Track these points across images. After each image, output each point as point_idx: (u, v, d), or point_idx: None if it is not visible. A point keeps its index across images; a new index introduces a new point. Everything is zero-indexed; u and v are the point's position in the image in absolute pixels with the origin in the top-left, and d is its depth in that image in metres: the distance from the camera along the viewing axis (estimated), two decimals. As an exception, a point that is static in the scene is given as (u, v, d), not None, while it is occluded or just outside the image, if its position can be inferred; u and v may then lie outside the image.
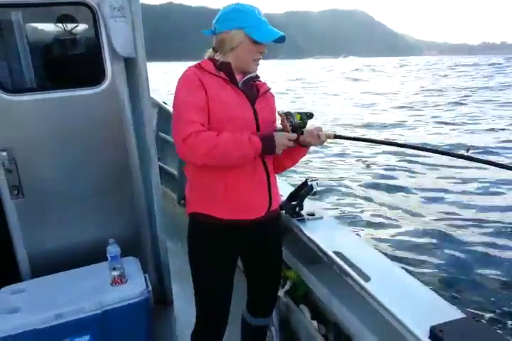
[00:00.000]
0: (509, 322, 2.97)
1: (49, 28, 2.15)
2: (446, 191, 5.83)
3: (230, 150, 1.39)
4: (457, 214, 5.02)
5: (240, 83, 1.55)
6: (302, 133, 1.53)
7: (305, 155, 1.64)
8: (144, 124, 2.10)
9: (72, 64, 2.14)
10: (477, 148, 8.32)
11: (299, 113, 1.54)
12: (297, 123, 1.52)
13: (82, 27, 2.11)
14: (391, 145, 1.65)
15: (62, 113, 1.98)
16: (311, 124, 1.58)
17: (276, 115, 1.59)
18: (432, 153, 1.51)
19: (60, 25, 2.12)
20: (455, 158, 1.42)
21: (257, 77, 1.63)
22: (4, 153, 1.88)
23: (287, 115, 1.52)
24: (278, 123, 1.61)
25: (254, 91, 1.60)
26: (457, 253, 4.06)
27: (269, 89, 1.67)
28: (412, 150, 1.57)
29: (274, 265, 1.73)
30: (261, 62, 1.57)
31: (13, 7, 1.90)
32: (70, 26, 2.11)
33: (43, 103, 1.94)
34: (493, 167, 1.40)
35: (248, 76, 1.57)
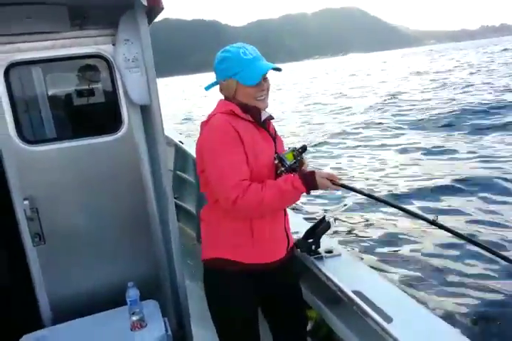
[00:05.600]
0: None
1: (69, 77, 2.27)
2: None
3: (277, 203, 1.44)
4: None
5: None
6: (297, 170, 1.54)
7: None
8: (160, 166, 2.15)
9: (91, 113, 2.24)
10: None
11: (292, 151, 1.55)
12: (290, 164, 1.52)
13: (99, 76, 2.22)
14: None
15: (82, 160, 2.05)
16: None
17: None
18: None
19: (79, 74, 2.25)
20: None
21: (271, 117, 1.66)
22: (26, 202, 1.94)
23: (279, 159, 1.53)
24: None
25: (268, 128, 1.66)
26: (487, 293, 3.81)
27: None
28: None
29: (296, 308, 1.70)
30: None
31: (32, 64, 2.02)
32: (88, 75, 2.23)
33: (63, 151, 2.01)
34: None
35: (265, 116, 1.61)
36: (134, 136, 2.13)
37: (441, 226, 1.39)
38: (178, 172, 4.26)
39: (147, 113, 2.13)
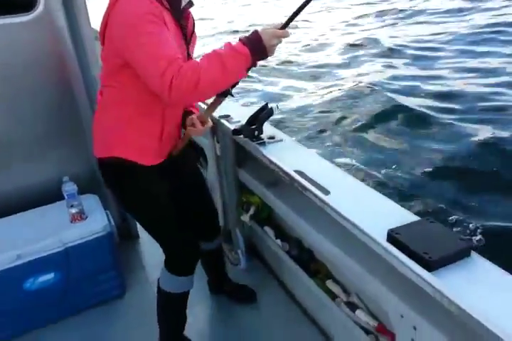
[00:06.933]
0: (461, 221, 3.25)
1: None
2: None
3: (219, 74, 1.17)
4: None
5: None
6: None
7: None
8: (86, 54, 1.91)
9: None
10: None
11: None
12: None
13: None
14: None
15: None
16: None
17: None
18: None
19: None
20: None
21: (191, 3, 1.38)
22: None
23: None
24: None
25: (187, 23, 1.40)
26: (412, 163, 4.23)
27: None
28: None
29: (196, 189, 1.72)
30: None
31: None
32: None
33: None
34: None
35: (185, 2, 1.34)
36: (53, 17, 1.83)
37: None
38: None
39: None
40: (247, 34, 1.23)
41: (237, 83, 1.34)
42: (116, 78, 1.34)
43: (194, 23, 1.48)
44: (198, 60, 1.23)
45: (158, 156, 1.48)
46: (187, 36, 1.39)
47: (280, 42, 1.23)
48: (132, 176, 1.45)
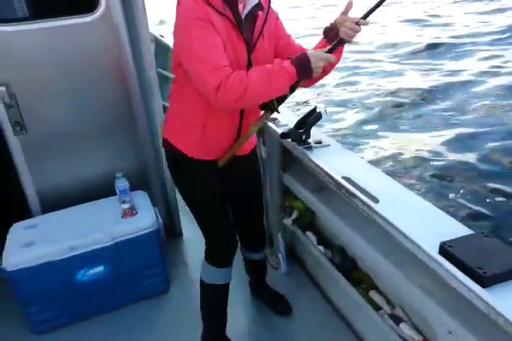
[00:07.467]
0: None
1: None
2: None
3: (264, 87, 1.25)
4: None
5: (242, 17, 1.33)
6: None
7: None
8: (142, 55, 1.99)
9: None
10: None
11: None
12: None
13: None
14: None
15: (58, 44, 1.87)
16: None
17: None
18: None
19: None
20: None
21: (258, 6, 1.36)
22: (3, 88, 1.80)
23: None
24: None
25: (253, 28, 1.38)
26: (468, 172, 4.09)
27: (276, 15, 1.46)
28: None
29: (252, 199, 1.74)
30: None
31: None
32: None
33: (37, 33, 1.82)
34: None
35: (251, 6, 1.33)
36: (113, 17, 1.92)
37: None
38: (159, 70, 4.02)
39: None
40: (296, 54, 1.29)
41: (283, 100, 1.41)
42: (176, 74, 1.44)
43: (270, 25, 1.43)
44: (248, 70, 1.29)
45: (205, 152, 1.51)
46: (250, 42, 1.37)
47: (326, 65, 1.31)
48: (181, 164, 1.54)
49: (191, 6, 1.25)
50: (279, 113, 1.47)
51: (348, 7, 1.32)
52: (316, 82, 1.49)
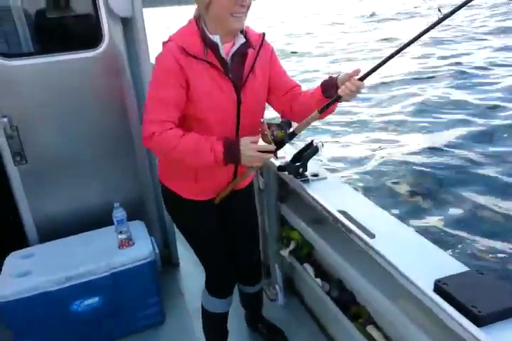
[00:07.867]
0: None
1: None
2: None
3: (188, 156, 1.32)
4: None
5: (228, 57, 1.35)
6: (279, 149, 1.38)
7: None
8: (143, 87, 2.06)
9: (69, 26, 2.07)
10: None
11: (281, 129, 1.37)
12: (279, 137, 1.36)
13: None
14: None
15: (61, 77, 1.94)
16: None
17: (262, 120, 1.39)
18: None
19: None
20: None
21: (246, 45, 1.37)
22: (5, 120, 1.85)
23: (270, 125, 1.36)
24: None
25: (242, 66, 1.39)
26: (461, 211, 4.09)
27: (271, 49, 1.47)
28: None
29: (245, 234, 1.76)
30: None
31: None
32: None
33: (41, 67, 1.89)
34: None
35: (238, 45, 1.35)
36: (116, 52, 2.00)
37: None
38: None
39: (130, 28, 1.98)
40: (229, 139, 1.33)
41: (281, 146, 1.39)
42: None
43: (263, 60, 1.43)
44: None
45: (201, 193, 1.55)
46: (238, 82, 1.38)
47: (257, 155, 1.32)
48: (178, 204, 1.58)
49: (164, 56, 1.31)
50: (276, 158, 1.50)
51: (354, 73, 1.31)
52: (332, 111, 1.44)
